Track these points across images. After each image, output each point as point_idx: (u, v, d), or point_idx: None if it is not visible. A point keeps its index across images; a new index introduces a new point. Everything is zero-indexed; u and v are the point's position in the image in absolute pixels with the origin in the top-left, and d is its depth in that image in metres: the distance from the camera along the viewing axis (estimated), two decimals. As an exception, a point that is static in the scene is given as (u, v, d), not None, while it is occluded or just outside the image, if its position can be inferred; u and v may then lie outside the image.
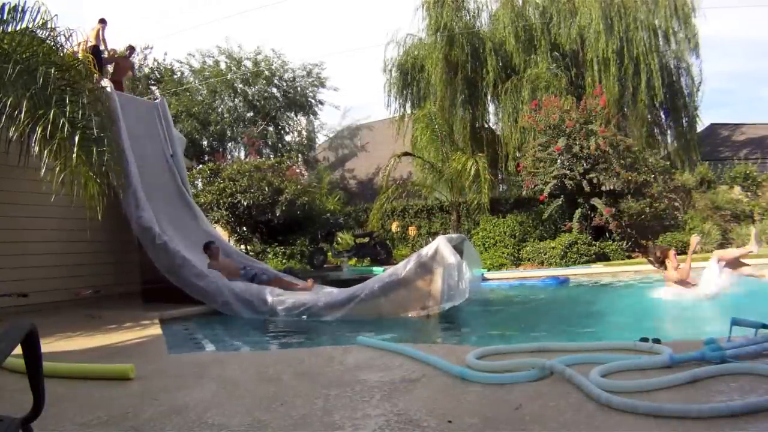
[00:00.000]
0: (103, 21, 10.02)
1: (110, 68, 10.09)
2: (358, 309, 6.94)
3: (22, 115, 5.63)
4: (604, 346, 3.61)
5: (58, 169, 5.94)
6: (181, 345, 5.55)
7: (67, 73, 6.55)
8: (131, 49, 10.63)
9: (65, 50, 6.81)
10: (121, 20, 36.74)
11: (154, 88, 21.11)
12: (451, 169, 13.82)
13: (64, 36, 6.61)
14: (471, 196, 14.32)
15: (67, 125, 5.86)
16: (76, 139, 5.92)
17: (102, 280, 8.59)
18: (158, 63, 21.97)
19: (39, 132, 5.77)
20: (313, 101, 22.19)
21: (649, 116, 15.89)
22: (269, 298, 7.41)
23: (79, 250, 8.37)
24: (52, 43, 6.50)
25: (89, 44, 9.51)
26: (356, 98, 49.12)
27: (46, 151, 5.89)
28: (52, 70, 6.04)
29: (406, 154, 15.27)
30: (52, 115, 5.77)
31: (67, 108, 6.00)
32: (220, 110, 21.40)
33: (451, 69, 16.86)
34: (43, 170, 5.90)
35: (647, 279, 9.00)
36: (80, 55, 8.44)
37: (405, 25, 37.99)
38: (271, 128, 21.90)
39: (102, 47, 9.85)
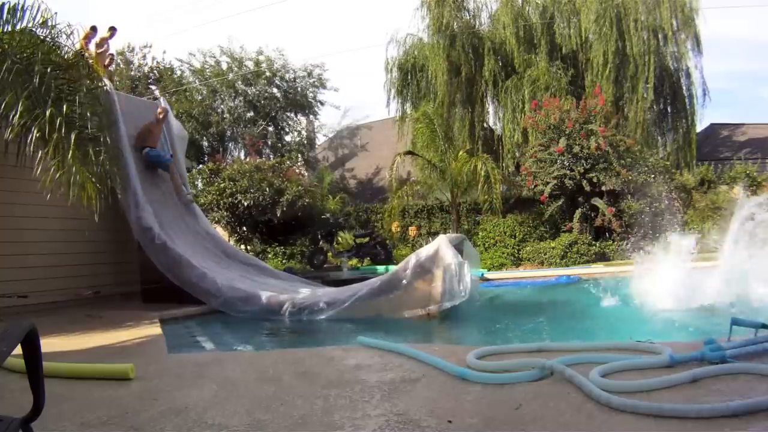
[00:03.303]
0: (93, 29, 9.98)
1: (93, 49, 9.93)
2: (358, 308, 6.94)
3: (17, 116, 5.58)
4: (604, 346, 3.61)
5: (53, 169, 5.90)
6: (181, 345, 5.55)
7: (66, 72, 6.52)
8: (113, 30, 10.44)
9: (66, 48, 6.76)
10: (122, 20, 36.77)
11: (153, 87, 21.10)
12: (456, 169, 13.81)
13: (65, 33, 6.58)
14: (481, 197, 14.33)
15: (63, 125, 5.82)
16: (72, 138, 5.87)
17: (102, 281, 8.59)
18: (157, 62, 21.97)
19: (35, 132, 5.72)
20: (313, 101, 22.18)
21: (648, 116, 15.86)
22: (268, 298, 7.42)
23: (79, 251, 8.37)
24: (51, 43, 6.47)
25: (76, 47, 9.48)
26: (356, 98, 49.13)
27: (41, 152, 5.86)
28: (49, 69, 5.99)
29: (409, 153, 15.28)
30: (48, 114, 5.71)
31: (64, 107, 5.95)
32: (220, 110, 21.40)
33: (451, 68, 16.85)
34: (38, 171, 5.86)
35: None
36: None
37: (405, 25, 37.97)
38: (271, 128, 21.90)
39: (86, 54, 9.79)
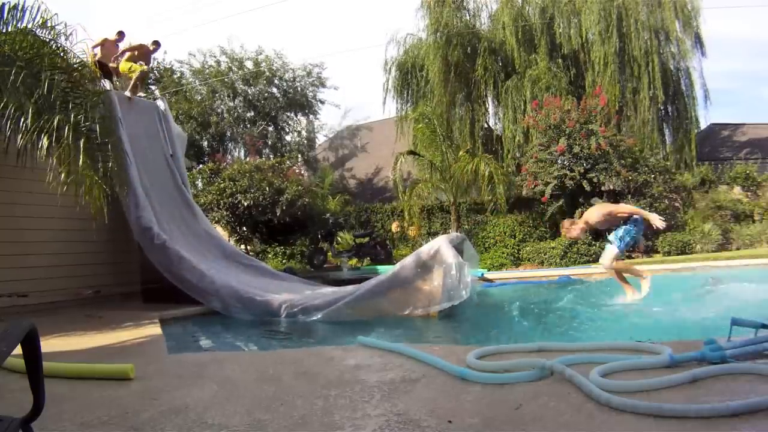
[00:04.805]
0: (121, 33, 10.08)
1: (130, 53, 10.00)
2: (357, 308, 6.94)
3: (29, 120, 5.61)
4: (604, 346, 3.60)
5: (63, 174, 5.93)
6: (181, 345, 5.55)
7: (71, 76, 6.52)
8: (157, 43, 10.67)
9: (68, 52, 6.77)
10: (122, 20, 36.78)
11: (153, 87, 21.08)
12: (458, 169, 13.80)
13: (65, 35, 6.57)
14: (485, 197, 14.33)
15: (71, 131, 5.85)
16: (81, 144, 5.91)
17: (102, 281, 8.59)
18: (158, 62, 21.94)
19: (45, 138, 5.75)
20: (313, 101, 22.18)
21: (649, 117, 15.85)
22: (267, 299, 7.41)
23: (79, 250, 8.37)
24: (55, 45, 6.47)
25: (97, 57, 9.55)
26: (356, 98, 49.22)
27: (52, 157, 5.88)
28: (57, 75, 6.02)
29: (411, 152, 15.28)
30: (57, 121, 5.74)
31: (72, 113, 5.98)
32: (220, 110, 21.39)
33: (451, 68, 16.83)
34: (50, 176, 5.89)
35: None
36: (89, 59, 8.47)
37: (405, 25, 38.00)
38: (271, 128, 21.90)
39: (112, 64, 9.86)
